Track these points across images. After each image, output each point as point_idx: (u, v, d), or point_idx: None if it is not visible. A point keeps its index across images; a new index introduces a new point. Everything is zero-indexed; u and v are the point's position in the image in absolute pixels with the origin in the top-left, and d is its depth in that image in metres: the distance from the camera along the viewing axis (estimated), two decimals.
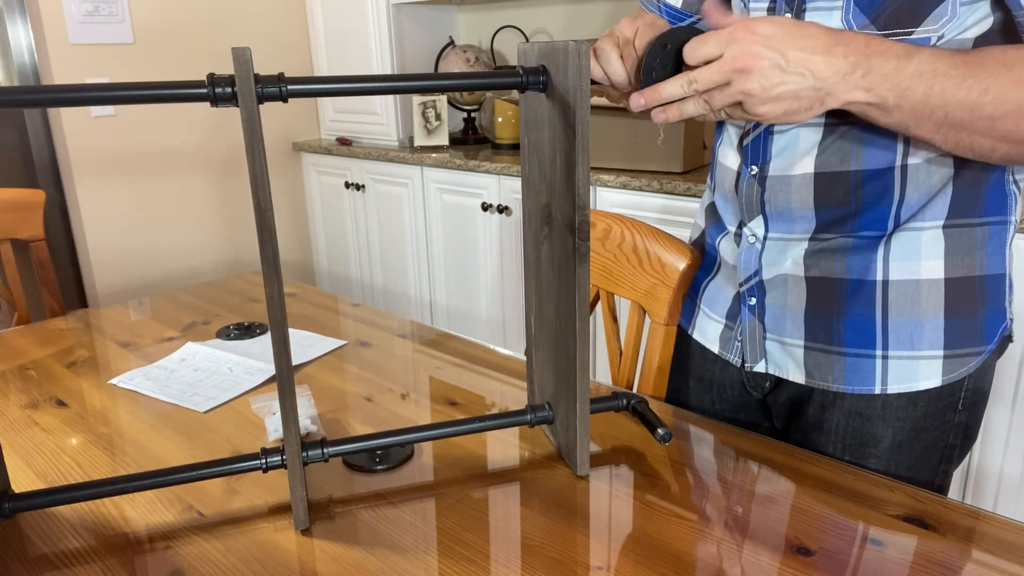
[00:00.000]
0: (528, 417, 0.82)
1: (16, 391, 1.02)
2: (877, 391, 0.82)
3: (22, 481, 0.80)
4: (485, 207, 2.44)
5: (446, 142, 2.77)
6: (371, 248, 2.97)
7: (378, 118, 2.89)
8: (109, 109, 2.64)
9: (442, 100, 2.74)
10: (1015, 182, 0.81)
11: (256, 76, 0.62)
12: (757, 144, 0.84)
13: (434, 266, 2.73)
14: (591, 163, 2.17)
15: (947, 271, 0.79)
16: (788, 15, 0.77)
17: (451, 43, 2.94)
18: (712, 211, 0.97)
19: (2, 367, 1.11)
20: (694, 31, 0.71)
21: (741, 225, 0.89)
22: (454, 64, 2.74)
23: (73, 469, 0.83)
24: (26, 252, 1.50)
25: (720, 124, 0.94)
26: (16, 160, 2.56)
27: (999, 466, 1.63)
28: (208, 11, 2.82)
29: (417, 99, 2.72)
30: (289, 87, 0.65)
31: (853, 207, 0.80)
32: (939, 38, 0.71)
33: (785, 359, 0.88)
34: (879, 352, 0.81)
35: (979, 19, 0.72)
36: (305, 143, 3.10)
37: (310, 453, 0.73)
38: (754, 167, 0.85)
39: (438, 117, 2.74)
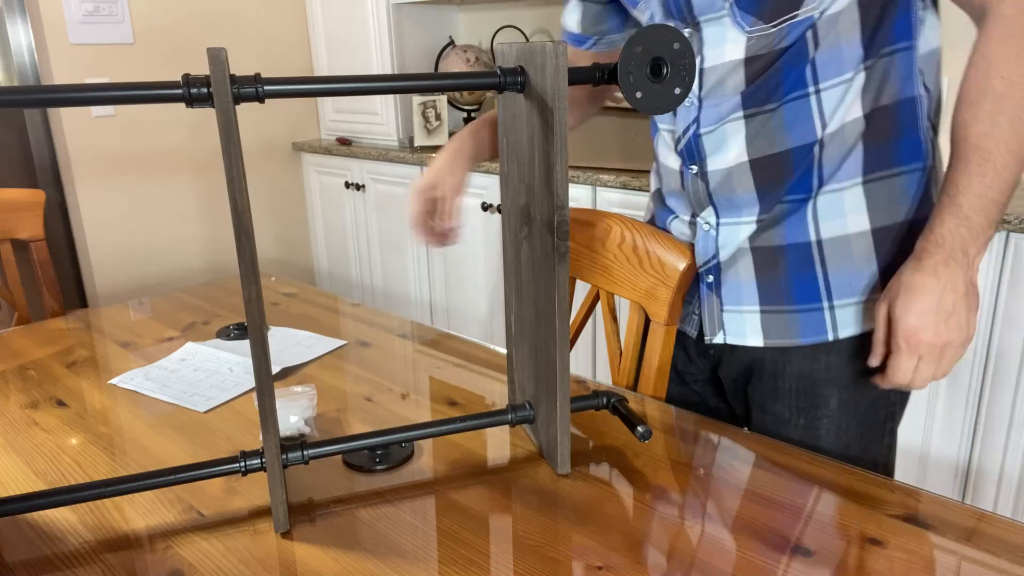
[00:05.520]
0: (508, 417, 0.82)
1: (16, 391, 1.02)
2: (831, 338, 0.87)
3: (22, 481, 0.80)
4: (485, 207, 2.44)
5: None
6: (371, 248, 2.97)
7: (378, 118, 2.89)
8: (109, 109, 2.64)
9: (442, 100, 2.74)
10: (931, 127, 0.84)
11: (232, 76, 0.61)
12: (691, 146, 0.90)
13: (434, 266, 2.73)
14: (592, 163, 2.18)
15: (872, 222, 0.84)
16: (688, 30, 0.84)
17: (451, 43, 2.94)
18: (658, 197, 1.04)
19: (2, 367, 1.11)
20: (663, 29, 0.69)
21: (694, 215, 0.95)
22: (454, 64, 2.74)
23: (73, 469, 0.83)
24: (26, 252, 1.50)
25: (654, 122, 0.99)
26: (16, 160, 2.56)
27: (999, 466, 1.63)
28: (208, 11, 2.82)
29: (417, 99, 2.72)
30: (266, 87, 0.64)
31: (787, 179, 0.86)
32: (821, 13, 0.78)
33: (743, 326, 0.93)
34: (826, 304, 0.87)
35: None
36: (305, 143, 3.10)
37: (290, 456, 0.73)
38: (694, 166, 0.91)
39: (438, 117, 2.74)
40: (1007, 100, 0.72)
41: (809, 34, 0.79)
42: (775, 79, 0.82)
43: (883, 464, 0.93)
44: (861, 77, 0.80)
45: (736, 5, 0.80)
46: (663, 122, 0.95)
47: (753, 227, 0.89)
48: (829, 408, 0.90)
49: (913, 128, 0.83)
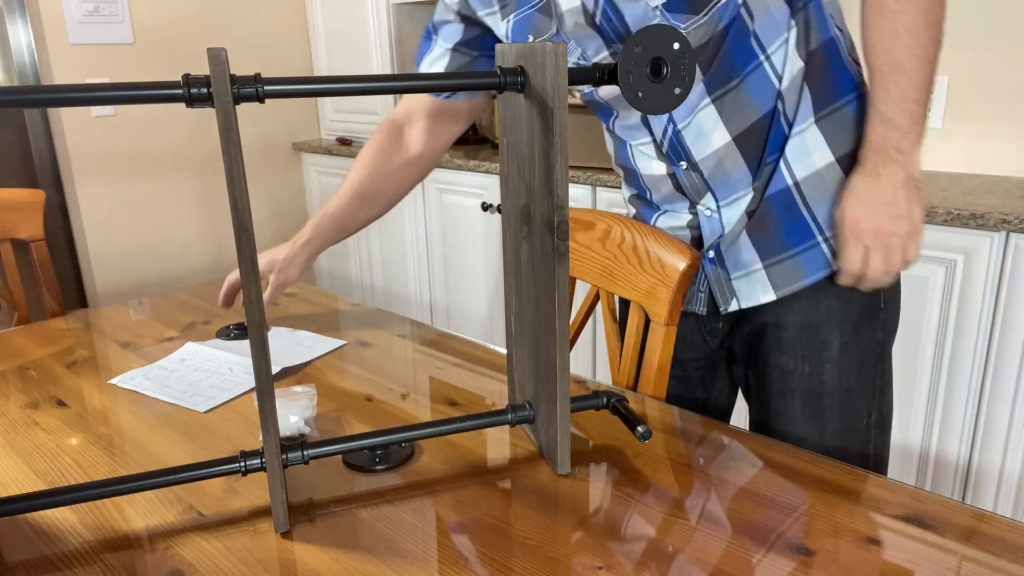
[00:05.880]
0: (508, 417, 0.82)
1: (16, 391, 1.02)
2: (835, 267, 0.93)
3: (22, 481, 0.80)
4: (485, 207, 2.44)
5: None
6: (371, 248, 2.97)
7: (378, 118, 2.89)
8: (109, 109, 2.64)
9: None
10: (854, 61, 0.93)
11: (232, 76, 0.61)
12: (674, 144, 0.95)
13: (434, 266, 2.73)
14: (592, 163, 2.18)
15: (834, 153, 0.92)
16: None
17: None
18: (637, 199, 1.08)
19: (2, 367, 1.11)
20: (663, 29, 0.69)
21: (692, 205, 0.99)
22: None
23: (73, 469, 0.83)
24: (26, 252, 1.50)
25: (623, 143, 1.02)
26: (16, 160, 2.56)
27: (999, 466, 1.63)
28: (208, 11, 2.82)
29: None
30: (266, 87, 0.64)
31: (766, 143, 0.92)
32: None
33: (753, 287, 0.97)
34: (819, 238, 0.93)
35: None
36: (305, 143, 3.10)
37: (290, 456, 0.73)
38: (683, 163, 0.95)
39: None
40: (901, 14, 0.82)
41: (743, 11, 0.86)
42: (727, 60, 0.88)
43: (877, 406, 0.99)
44: (794, 32, 0.88)
45: (665, 9, 0.85)
46: (636, 139, 0.98)
47: (751, 195, 0.94)
48: (832, 352, 0.96)
49: (840, 64, 0.91)
